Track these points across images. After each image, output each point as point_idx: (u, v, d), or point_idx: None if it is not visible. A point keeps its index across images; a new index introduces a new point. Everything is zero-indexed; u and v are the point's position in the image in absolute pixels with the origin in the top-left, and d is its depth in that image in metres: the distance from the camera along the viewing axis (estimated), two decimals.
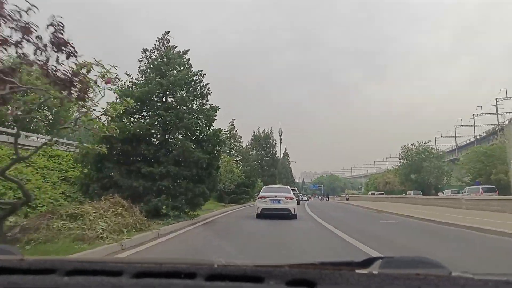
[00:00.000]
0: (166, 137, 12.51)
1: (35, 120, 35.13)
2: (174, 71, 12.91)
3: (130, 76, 12.78)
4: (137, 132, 11.46)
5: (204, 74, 13.44)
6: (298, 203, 20.66)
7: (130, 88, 12.53)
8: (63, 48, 4.96)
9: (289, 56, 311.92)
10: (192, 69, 13.50)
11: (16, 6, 4.91)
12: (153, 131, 12.14)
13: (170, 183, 11.49)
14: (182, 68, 13.24)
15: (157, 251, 7.28)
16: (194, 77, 13.35)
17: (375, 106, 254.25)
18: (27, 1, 4.83)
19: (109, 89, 6.49)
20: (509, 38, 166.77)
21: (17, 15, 4.96)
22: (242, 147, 39.65)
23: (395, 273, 0.83)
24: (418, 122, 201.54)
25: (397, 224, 14.63)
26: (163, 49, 13.21)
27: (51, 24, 5.15)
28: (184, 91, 12.81)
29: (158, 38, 13.31)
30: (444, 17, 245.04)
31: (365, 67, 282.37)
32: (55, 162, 13.32)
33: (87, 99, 6.20)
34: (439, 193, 49.23)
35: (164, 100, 12.60)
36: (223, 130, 16.75)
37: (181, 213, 12.36)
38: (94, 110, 6.89)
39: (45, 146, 8.11)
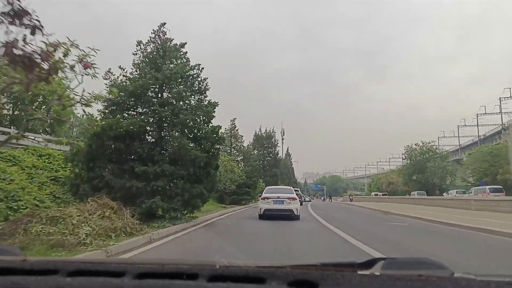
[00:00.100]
0: (162, 135, 11.77)
1: (32, 119, 34.57)
2: (170, 65, 12.18)
3: (124, 70, 12.06)
4: (130, 129, 10.74)
5: (202, 68, 12.72)
6: (301, 204, 20.12)
7: (124, 83, 11.80)
8: (23, 19, 4.20)
9: (289, 56, 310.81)
10: (189, 63, 12.78)
11: None
12: (147, 128, 11.42)
13: (166, 183, 10.76)
14: (179, 62, 12.51)
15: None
16: (192, 72, 12.62)
17: (377, 106, 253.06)
18: None
19: (86, 74, 5.70)
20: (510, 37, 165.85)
21: None
22: (243, 146, 38.82)
23: (398, 274, 0.83)
24: (420, 122, 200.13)
25: (406, 226, 13.86)
26: (159, 41, 12.48)
27: None
28: (181, 86, 12.07)
29: (153, 30, 12.59)
30: (445, 16, 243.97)
31: (365, 67, 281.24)
32: (44, 161, 12.61)
33: (57, 82, 5.43)
34: (444, 194, 48.32)
35: (159, 95, 11.86)
36: (223, 129, 16.07)
37: (178, 215, 11.62)
38: (72, 99, 6.08)
39: (14, 141, 7.31)
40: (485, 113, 77.23)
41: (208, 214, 16.63)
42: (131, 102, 11.73)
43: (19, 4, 4.11)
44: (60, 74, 5.39)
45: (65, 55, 5.30)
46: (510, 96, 70.59)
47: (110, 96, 6.37)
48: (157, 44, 12.34)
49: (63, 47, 5.10)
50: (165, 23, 12.68)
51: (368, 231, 11.88)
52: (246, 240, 9.74)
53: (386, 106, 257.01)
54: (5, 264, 0.91)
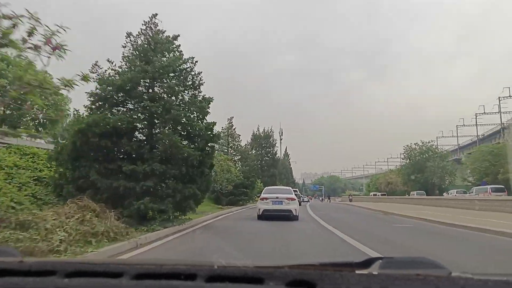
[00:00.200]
0: (153, 132, 11.03)
1: (24, 120, 33.71)
2: (162, 58, 11.44)
3: (112, 63, 11.31)
4: (118, 125, 10.00)
5: (196, 62, 11.98)
6: (300, 204, 19.70)
7: (113, 77, 11.05)
8: None
9: (289, 56, 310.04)
10: (183, 56, 12.05)
11: None
12: (137, 124, 10.68)
13: (156, 183, 10.02)
14: (171, 55, 11.78)
15: None
16: (185, 65, 11.88)
17: (376, 106, 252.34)
18: None
19: (58, 56, 4.95)
20: (510, 37, 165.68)
21: None
22: (241, 146, 37.96)
23: (395, 274, 0.84)
24: (419, 122, 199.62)
25: (411, 228, 13.18)
26: (150, 34, 11.74)
27: None
28: (174, 81, 11.34)
29: (144, 21, 11.85)
30: (445, 16, 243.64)
31: (365, 67, 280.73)
32: (28, 161, 11.85)
33: (15, 62, 4.68)
34: (444, 194, 47.71)
35: (150, 89, 11.12)
36: (220, 127, 15.35)
37: (171, 217, 10.90)
38: (31, 85, 5.33)
39: None
40: (484, 112, 76.70)
41: (203, 216, 15.91)
42: (119, 97, 10.99)
43: None
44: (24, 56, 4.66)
45: (30, 33, 4.58)
46: (510, 96, 70.12)
47: (85, 82, 5.51)
48: (148, 36, 11.60)
49: (20, 20, 4.37)
50: (156, 14, 11.96)
51: (373, 233, 11.19)
52: (243, 242, 9.18)
53: (385, 106, 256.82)
54: (2, 266, 0.90)
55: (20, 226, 5.95)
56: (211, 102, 11.90)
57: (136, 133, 11.30)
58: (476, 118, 77.20)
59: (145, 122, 10.80)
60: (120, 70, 11.14)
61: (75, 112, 10.63)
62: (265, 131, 51.44)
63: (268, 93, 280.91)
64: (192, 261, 1.82)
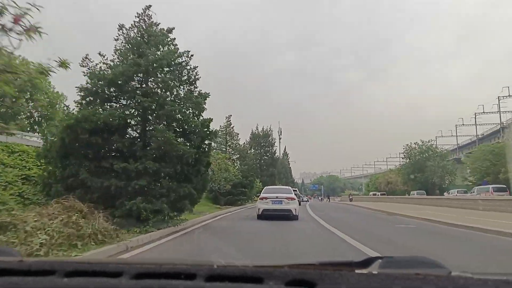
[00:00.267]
0: (146, 128, 10.52)
1: (19, 118, 33.13)
2: (157, 51, 10.92)
3: (104, 57, 10.80)
4: (109, 121, 9.49)
5: (192, 56, 11.47)
6: (299, 204, 19.44)
7: (105, 71, 10.54)
8: None
9: (289, 56, 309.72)
10: (178, 50, 11.53)
11: None
12: (129, 120, 10.18)
13: (149, 182, 9.52)
14: (166, 48, 11.27)
15: None
16: (180, 59, 11.38)
17: (375, 106, 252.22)
18: None
19: (29, 37, 4.43)
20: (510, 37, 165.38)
21: None
22: (239, 144, 37.35)
23: (395, 273, 0.83)
24: (418, 122, 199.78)
25: (415, 228, 12.69)
26: (144, 26, 11.23)
27: None
28: (169, 75, 10.83)
29: (137, 13, 11.33)
30: (445, 16, 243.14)
31: (365, 67, 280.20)
32: (16, 159, 11.34)
33: None
34: (445, 193, 47.25)
35: (143, 84, 10.61)
36: (217, 126, 14.84)
37: (166, 218, 10.42)
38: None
39: None
40: (483, 112, 76.32)
41: (200, 216, 15.43)
42: (111, 92, 10.49)
43: None
44: None
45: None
46: (509, 95, 69.69)
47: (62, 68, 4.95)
48: (141, 29, 11.09)
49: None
50: (150, 6, 11.44)
51: (375, 234, 10.72)
52: (242, 242, 8.81)
53: (385, 106, 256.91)
54: (2, 265, 0.90)
55: None
56: (207, 98, 11.40)
57: (129, 130, 10.82)
58: (475, 117, 76.89)
59: (138, 118, 10.32)
60: (112, 64, 10.63)
61: (66, 108, 10.13)
62: (264, 130, 50.92)
63: (268, 93, 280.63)
64: (191, 260, 1.84)
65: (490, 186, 35.34)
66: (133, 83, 10.72)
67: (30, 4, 4.13)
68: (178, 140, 10.55)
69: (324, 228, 12.20)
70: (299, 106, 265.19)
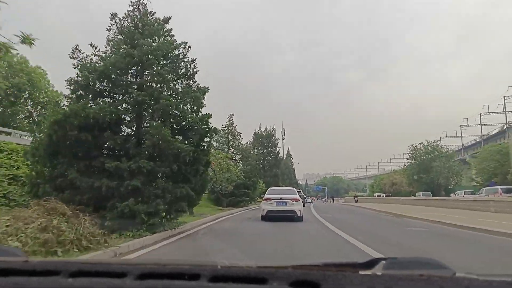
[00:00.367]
0: (140, 124, 9.82)
1: (18, 117, 32.58)
2: (153, 42, 10.23)
3: (96, 48, 10.11)
4: (100, 116, 8.80)
5: (189, 47, 10.76)
6: (303, 205, 18.80)
7: (97, 63, 9.85)
8: None
9: (289, 56, 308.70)
10: (175, 42, 10.83)
11: None
12: (122, 116, 9.48)
13: (143, 182, 8.81)
14: (161, 39, 10.57)
15: None
16: (177, 51, 10.68)
17: (377, 106, 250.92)
18: None
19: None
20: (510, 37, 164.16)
21: None
22: (242, 144, 36.46)
23: (399, 274, 0.83)
24: (420, 122, 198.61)
25: (429, 232, 11.93)
26: (138, 15, 10.54)
27: None
28: (165, 67, 10.12)
29: (131, 2, 10.63)
30: (445, 16, 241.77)
31: (365, 67, 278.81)
32: (3, 158, 10.67)
33: None
34: (451, 194, 46.29)
35: (137, 76, 9.92)
36: (218, 125, 14.11)
37: (162, 221, 9.72)
38: None
39: None
40: (488, 112, 75.32)
41: (200, 218, 14.72)
42: (103, 86, 9.81)
43: None
44: None
45: None
46: None
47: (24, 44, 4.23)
48: (135, 18, 10.40)
49: None
50: None
51: (388, 239, 9.97)
52: (244, 246, 8.23)
53: (385, 106, 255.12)
54: (7, 265, 0.91)
55: None
56: (206, 92, 10.71)
57: (123, 127, 10.14)
58: (480, 117, 75.90)
59: (132, 114, 9.62)
60: (104, 55, 9.94)
61: (55, 104, 9.47)
62: (267, 130, 50.07)
63: (268, 93, 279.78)
64: (195, 261, 1.97)
65: (499, 187, 34.34)
66: (127, 77, 10.06)
67: None
68: (175, 137, 9.87)
69: (333, 233, 11.46)
70: (300, 106, 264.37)
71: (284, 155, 65.94)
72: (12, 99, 30.32)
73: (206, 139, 10.75)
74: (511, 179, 41.03)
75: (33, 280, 0.84)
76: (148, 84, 9.57)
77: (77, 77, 9.63)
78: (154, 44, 9.87)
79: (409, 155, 61.23)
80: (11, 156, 10.98)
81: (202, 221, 14.00)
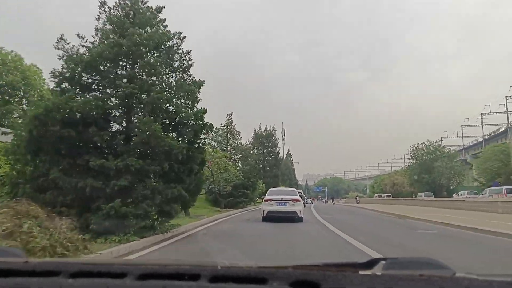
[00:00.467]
0: (130, 119, 9.11)
1: (12, 117, 31.82)
2: (144, 33, 9.53)
3: (83, 39, 9.42)
4: (85, 110, 8.11)
5: (184, 38, 10.07)
6: (304, 206, 18.47)
7: (84, 55, 9.15)
8: None
9: (289, 56, 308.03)
10: (169, 33, 10.12)
11: None
12: (110, 111, 8.78)
13: (131, 182, 8.10)
14: (154, 30, 9.87)
15: None
16: (171, 42, 9.98)
17: (377, 107, 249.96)
18: None
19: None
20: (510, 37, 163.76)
21: None
22: (241, 143, 35.62)
23: (399, 274, 0.83)
24: (418, 122, 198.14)
25: (438, 235, 11.23)
26: (129, 3, 9.83)
27: None
28: (157, 58, 9.43)
29: None
30: (445, 16, 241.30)
31: (365, 67, 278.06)
32: None
33: None
34: (454, 195, 45.61)
35: (126, 68, 9.21)
36: (217, 124, 13.37)
37: (154, 224, 9.02)
38: None
39: None
40: (490, 112, 74.61)
41: (197, 220, 14.02)
42: (90, 78, 9.11)
43: None
44: None
45: None
46: None
47: None
48: (125, 6, 9.69)
49: None
50: None
51: (397, 243, 9.26)
52: (244, 248, 7.84)
53: (385, 106, 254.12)
54: (7, 266, 0.91)
55: None
56: (202, 86, 10.00)
57: (113, 123, 9.43)
58: (481, 118, 75.19)
59: (121, 108, 8.91)
60: (91, 46, 9.24)
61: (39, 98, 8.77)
62: (267, 129, 49.28)
63: (268, 93, 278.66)
64: (195, 261, 1.96)
65: (503, 187, 33.64)
66: (117, 69, 9.35)
67: None
68: (168, 134, 9.20)
69: (334, 234, 10.76)
70: (300, 106, 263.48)
71: (284, 156, 65.23)
72: (6, 97, 29.58)
73: (202, 136, 10.05)
74: None
75: (33, 280, 0.84)
76: (138, 76, 8.87)
77: (62, 69, 8.93)
78: (145, 34, 9.15)
79: (411, 155, 60.57)
80: None
81: (198, 223, 13.29)
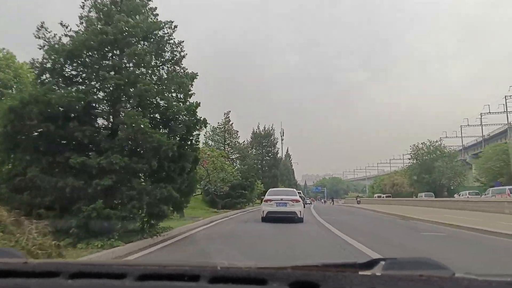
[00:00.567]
0: (116, 113, 8.41)
1: None
2: (131, 20, 8.82)
3: (67, 28, 8.71)
4: (65, 103, 7.41)
5: (175, 27, 9.37)
6: (304, 207, 18.11)
7: (68, 45, 8.44)
8: None
9: (289, 56, 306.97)
10: (161, 22, 9.41)
11: None
12: (93, 104, 8.08)
13: (116, 182, 7.40)
14: (143, 17, 9.18)
15: None
16: (161, 32, 9.28)
17: (377, 107, 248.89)
18: None
19: None
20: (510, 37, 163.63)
21: None
22: (239, 142, 34.83)
23: (399, 275, 0.84)
24: (418, 122, 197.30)
25: (449, 237, 10.55)
26: None
27: None
28: (145, 47, 8.73)
29: None
30: (445, 16, 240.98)
31: (365, 67, 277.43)
32: None
33: None
34: (455, 195, 45.00)
35: (112, 57, 8.51)
36: (214, 122, 12.65)
37: (144, 227, 8.33)
38: None
39: None
40: (489, 112, 74.18)
41: (191, 223, 13.30)
42: (73, 69, 8.41)
43: None
44: None
45: None
46: None
47: None
48: None
49: None
50: None
51: (411, 248, 8.58)
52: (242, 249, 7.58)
53: (386, 106, 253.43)
54: (6, 267, 0.91)
55: None
56: (195, 79, 9.31)
57: (99, 117, 8.73)
58: (481, 118, 74.74)
59: (105, 101, 8.21)
60: (75, 35, 8.53)
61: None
62: (266, 129, 48.54)
63: (268, 93, 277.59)
64: (195, 262, 1.98)
65: (507, 187, 33.00)
66: (103, 60, 8.65)
67: None
68: (160, 130, 8.51)
69: (340, 239, 10.08)
70: (300, 106, 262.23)
71: (283, 156, 64.52)
72: None
73: (195, 132, 9.36)
74: None
75: (32, 281, 0.84)
76: (125, 67, 8.17)
77: (43, 59, 8.23)
78: (132, 21, 8.45)
79: (411, 155, 59.92)
80: None
81: (192, 226, 12.58)
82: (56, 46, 8.32)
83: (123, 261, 5.26)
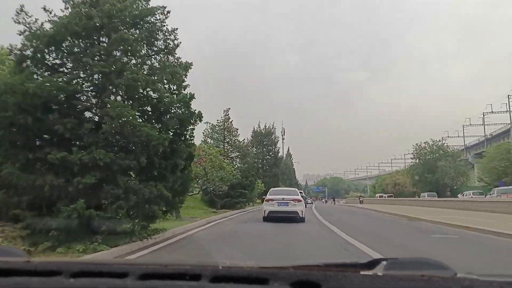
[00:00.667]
0: (103, 105, 7.70)
1: None
2: (118, 4, 8.11)
3: (50, 13, 8.00)
4: (44, 93, 6.71)
5: (168, 12, 8.65)
6: (305, 206, 17.97)
7: (49, 30, 7.74)
8: None
9: (289, 56, 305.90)
10: (153, 8, 8.70)
11: None
12: (77, 94, 7.38)
13: (100, 180, 6.70)
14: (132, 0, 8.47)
15: None
16: (153, 18, 8.57)
17: (377, 106, 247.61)
18: None
19: None
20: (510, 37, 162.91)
21: None
22: (239, 141, 34.00)
23: (400, 275, 0.83)
24: (418, 122, 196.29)
25: (462, 240, 9.87)
26: None
27: None
28: (134, 33, 8.02)
29: None
30: (445, 16, 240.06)
31: (365, 67, 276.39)
32: None
33: None
34: (459, 195, 44.29)
35: (97, 43, 7.79)
36: (213, 120, 11.97)
37: (134, 228, 7.63)
38: None
39: None
40: (492, 111, 73.50)
41: (188, 224, 12.62)
42: (57, 58, 7.72)
43: None
44: None
45: None
46: None
47: None
48: None
49: None
50: None
51: (427, 254, 7.88)
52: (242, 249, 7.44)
53: (386, 106, 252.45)
54: (8, 265, 0.90)
55: None
56: (189, 69, 8.61)
57: (86, 110, 8.03)
58: (483, 117, 74.04)
59: (89, 91, 7.51)
60: (58, 20, 7.83)
61: None
62: (266, 127, 47.79)
63: (268, 93, 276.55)
64: (196, 261, 2.01)
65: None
66: (88, 47, 7.94)
67: None
68: (153, 124, 7.80)
69: (346, 241, 9.39)
70: (300, 106, 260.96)
71: (284, 155, 63.83)
72: None
73: (189, 127, 8.65)
74: None
75: (34, 280, 0.84)
76: (109, 52, 7.46)
77: (23, 45, 7.53)
78: (119, 5, 7.73)
79: (413, 155, 59.21)
80: None
81: (188, 227, 11.88)
82: (38, 32, 7.64)
83: (125, 260, 5.21)
